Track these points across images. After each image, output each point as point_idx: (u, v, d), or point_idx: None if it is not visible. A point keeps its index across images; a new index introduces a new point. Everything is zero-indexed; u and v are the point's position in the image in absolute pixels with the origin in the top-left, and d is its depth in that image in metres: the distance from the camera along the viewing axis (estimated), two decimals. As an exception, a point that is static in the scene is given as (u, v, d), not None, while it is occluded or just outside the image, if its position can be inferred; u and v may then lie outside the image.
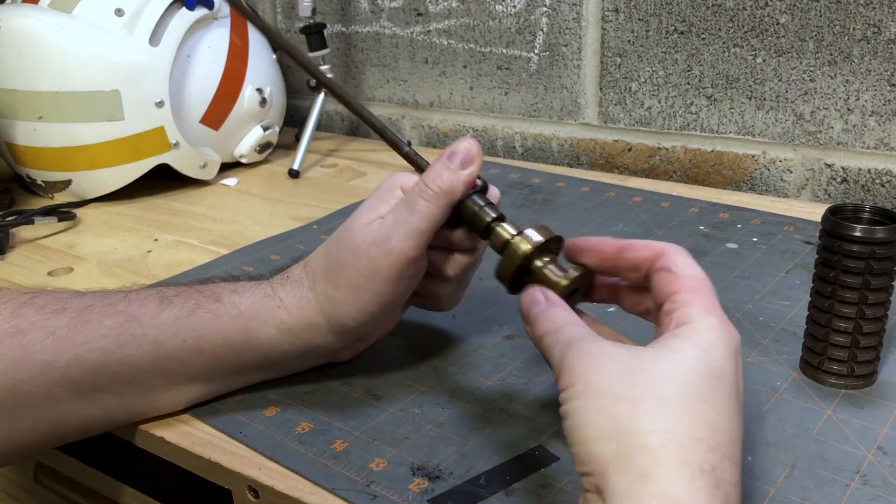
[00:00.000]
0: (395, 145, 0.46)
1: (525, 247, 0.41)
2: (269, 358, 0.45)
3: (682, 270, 0.37)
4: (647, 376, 0.32)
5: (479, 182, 0.44)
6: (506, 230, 0.42)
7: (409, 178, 0.45)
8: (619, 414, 0.31)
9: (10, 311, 0.41)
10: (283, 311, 0.44)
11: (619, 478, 0.30)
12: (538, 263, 0.41)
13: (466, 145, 0.43)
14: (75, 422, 0.43)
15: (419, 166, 0.45)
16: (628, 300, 0.42)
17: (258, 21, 0.52)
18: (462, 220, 0.44)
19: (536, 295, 0.39)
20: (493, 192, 0.45)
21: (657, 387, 0.32)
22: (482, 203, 0.43)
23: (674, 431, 0.30)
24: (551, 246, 0.41)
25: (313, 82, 0.95)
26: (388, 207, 0.44)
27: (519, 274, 0.41)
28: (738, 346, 0.35)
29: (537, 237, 0.41)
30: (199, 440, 0.44)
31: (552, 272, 0.40)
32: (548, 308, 0.38)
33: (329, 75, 0.95)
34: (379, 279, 0.42)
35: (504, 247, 0.42)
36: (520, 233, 0.41)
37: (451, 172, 0.42)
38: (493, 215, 0.43)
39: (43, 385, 0.41)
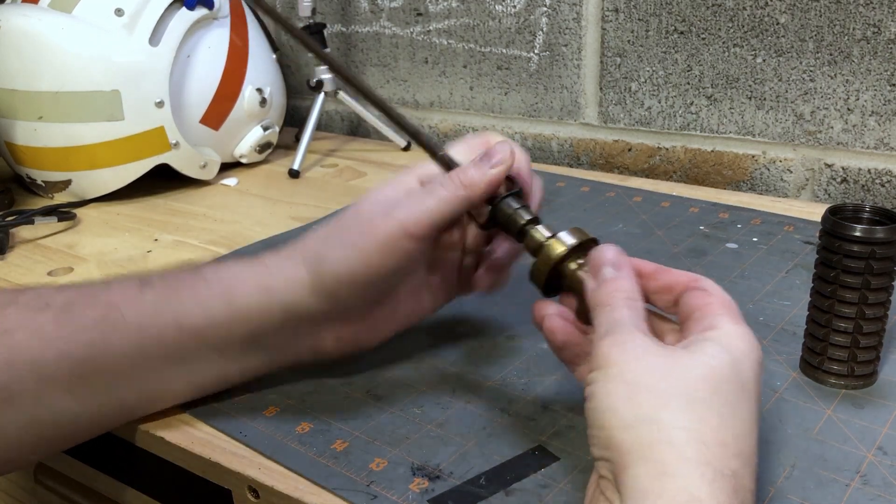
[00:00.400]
0: (430, 150, 0.44)
1: (558, 249, 0.40)
2: (251, 329, 0.44)
3: (715, 291, 0.37)
4: (682, 374, 0.32)
5: (515, 186, 0.44)
6: (540, 233, 0.42)
7: (428, 168, 0.44)
8: (648, 404, 0.31)
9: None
10: (263, 269, 0.43)
11: (638, 469, 0.30)
12: (571, 266, 0.40)
13: (501, 148, 0.43)
14: (67, 422, 0.43)
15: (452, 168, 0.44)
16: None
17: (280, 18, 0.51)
18: (497, 223, 0.44)
19: (615, 257, 0.38)
20: (536, 187, 0.45)
21: (690, 386, 0.32)
22: (517, 205, 0.43)
23: (700, 432, 0.30)
24: (586, 248, 0.41)
25: (314, 82, 0.95)
26: (404, 188, 0.43)
27: (552, 276, 0.41)
28: (762, 360, 0.35)
29: (571, 239, 0.40)
30: (199, 440, 0.44)
31: (586, 275, 0.39)
32: (617, 277, 0.37)
33: (328, 75, 0.95)
34: (372, 240, 0.41)
35: (538, 249, 0.41)
36: (553, 235, 0.41)
37: (476, 169, 0.42)
38: (528, 218, 0.43)
39: (32, 384, 0.40)
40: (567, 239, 0.41)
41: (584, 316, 0.39)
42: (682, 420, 0.31)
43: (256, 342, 0.44)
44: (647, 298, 0.39)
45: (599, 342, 0.34)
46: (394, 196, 0.43)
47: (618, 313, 0.36)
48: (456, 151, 0.45)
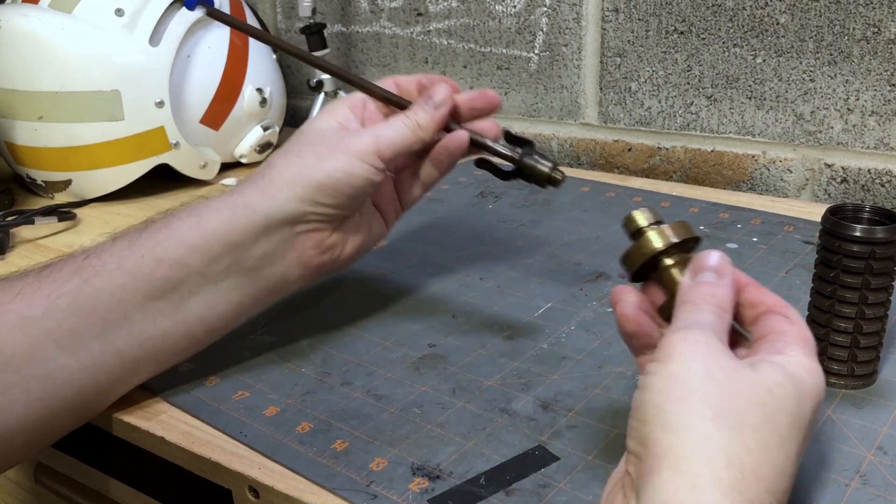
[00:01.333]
0: (368, 90, 0.51)
1: (660, 243, 0.38)
2: (229, 246, 0.45)
3: (798, 322, 0.35)
4: (742, 394, 0.31)
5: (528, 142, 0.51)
6: (642, 216, 0.40)
7: (342, 112, 0.49)
8: (698, 413, 0.30)
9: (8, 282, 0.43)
10: (231, 191, 0.46)
11: (668, 476, 0.29)
12: (668, 261, 0.39)
13: (441, 89, 0.49)
14: (63, 381, 0.42)
15: (400, 105, 0.50)
16: None
17: (246, 27, 0.55)
18: (525, 176, 0.51)
19: (721, 264, 0.37)
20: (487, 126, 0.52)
21: (746, 410, 0.30)
22: (548, 163, 0.50)
23: (741, 458, 0.29)
24: (687, 245, 0.39)
25: (314, 82, 0.95)
26: (339, 124, 0.49)
27: (646, 267, 0.39)
28: (823, 399, 0.34)
29: (674, 236, 0.39)
30: (199, 440, 0.44)
31: (679, 275, 0.38)
32: (715, 283, 0.36)
33: (328, 75, 0.95)
34: (350, 153, 0.46)
35: (637, 234, 0.40)
36: (656, 223, 0.39)
37: (424, 112, 0.48)
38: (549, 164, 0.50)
39: (23, 341, 0.41)
40: (670, 234, 0.39)
41: (668, 313, 0.37)
42: (727, 441, 0.29)
43: (237, 262, 0.45)
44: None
45: (671, 335, 0.33)
46: (338, 129, 0.48)
47: (702, 315, 0.34)
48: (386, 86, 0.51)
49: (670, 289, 0.38)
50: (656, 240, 0.38)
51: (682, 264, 0.38)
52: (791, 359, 0.33)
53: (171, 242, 0.44)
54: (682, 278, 0.37)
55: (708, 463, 0.29)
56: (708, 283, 0.36)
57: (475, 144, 0.51)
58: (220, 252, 0.45)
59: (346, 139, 0.47)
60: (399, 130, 0.47)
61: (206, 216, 0.45)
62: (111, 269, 0.43)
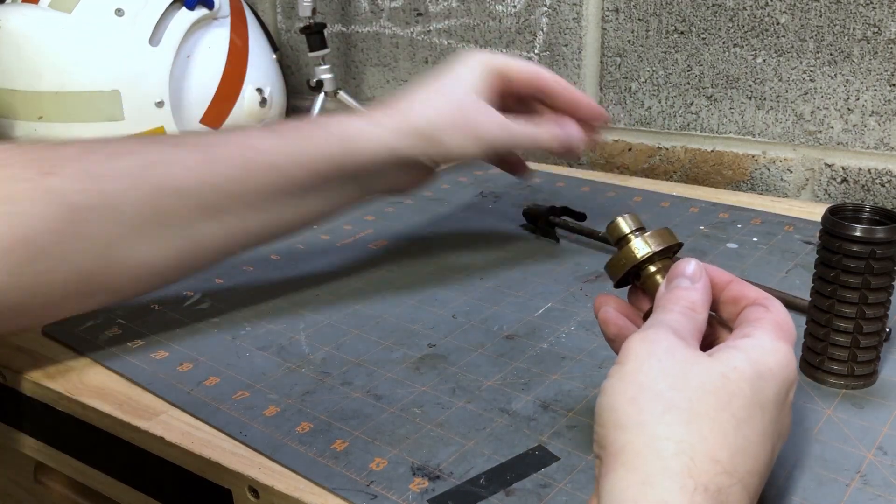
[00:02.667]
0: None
1: (643, 252, 0.39)
2: (359, 167, 0.53)
3: (776, 309, 0.36)
4: (692, 384, 0.31)
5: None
6: (627, 223, 0.41)
7: (492, 64, 0.56)
8: (649, 410, 0.31)
9: (141, 145, 0.49)
10: (381, 128, 0.53)
11: (622, 474, 0.30)
12: (651, 269, 0.40)
13: (573, 133, 0.58)
14: (207, 242, 0.50)
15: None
16: None
17: None
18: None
19: (693, 270, 0.37)
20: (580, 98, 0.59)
21: (697, 398, 0.31)
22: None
23: (692, 446, 0.30)
24: (670, 251, 0.40)
25: (314, 82, 0.95)
26: (494, 103, 0.55)
27: (629, 275, 0.40)
28: (795, 383, 0.34)
29: (657, 244, 0.40)
30: (199, 440, 0.44)
31: (661, 281, 0.39)
32: (688, 288, 0.37)
33: (328, 75, 0.95)
34: (483, 140, 0.55)
35: (621, 241, 0.40)
36: (639, 230, 0.40)
37: (555, 139, 0.57)
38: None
39: (180, 207, 0.47)
40: (652, 242, 0.40)
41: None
42: (678, 432, 0.30)
43: (357, 177, 0.54)
44: (714, 307, 0.38)
45: (630, 337, 0.34)
46: (489, 109, 0.55)
47: (666, 315, 0.35)
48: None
49: (652, 295, 0.39)
50: (638, 249, 0.40)
51: (665, 271, 0.39)
52: (754, 341, 0.34)
53: (321, 157, 0.51)
54: (661, 287, 0.38)
55: (658, 455, 0.30)
56: (680, 287, 0.37)
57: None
58: (352, 168, 0.53)
59: (481, 119, 0.54)
60: (528, 140, 0.56)
61: (353, 138, 0.52)
62: (265, 166, 0.50)
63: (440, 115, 0.54)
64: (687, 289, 0.37)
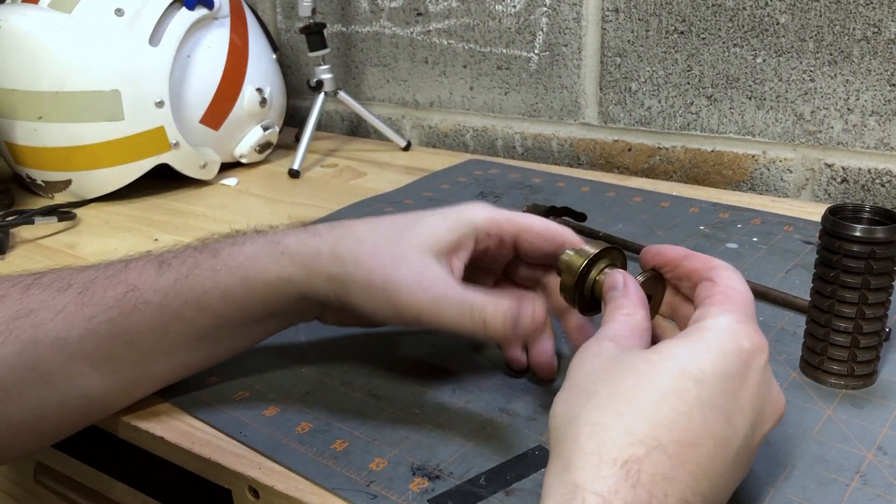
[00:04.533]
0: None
1: (578, 261, 0.41)
2: (268, 308, 0.45)
3: (722, 281, 0.37)
4: (615, 373, 0.33)
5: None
6: (566, 253, 0.42)
7: (491, 219, 0.44)
8: (574, 405, 0.32)
9: (19, 292, 0.43)
10: (285, 258, 0.43)
11: (551, 468, 0.31)
12: (596, 276, 0.41)
13: (530, 323, 0.40)
14: (99, 396, 0.44)
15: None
16: None
17: None
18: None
19: (617, 279, 0.39)
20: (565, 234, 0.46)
21: (617, 382, 0.32)
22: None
23: (605, 424, 0.31)
24: (611, 257, 0.42)
25: (314, 82, 0.95)
26: (462, 259, 0.44)
27: (581, 290, 0.41)
28: (754, 354, 0.34)
29: (592, 248, 0.41)
30: (199, 440, 0.44)
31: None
32: (619, 296, 0.38)
33: (328, 75, 0.95)
34: (397, 307, 0.41)
35: (560, 268, 0.42)
36: (577, 250, 0.42)
37: (500, 324, 0.40)
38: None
39: (61, 361, 0.42)
40: (589, 249, 0.41)
41: None
42: (594, 416, 0.31)
43: (271, 316, 0.46)
44: (674, 286, 0.41)
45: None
46: (446, 273, 0.42)
47: (604, 327, 0.37)
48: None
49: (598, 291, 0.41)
50: (577, 259, 0.41)
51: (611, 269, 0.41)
52: (699, 325, 0.34)
53: (217, 293, 0.44)
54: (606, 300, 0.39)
55: (574, 441, 0.31)
56: (612, 299, 0.38)
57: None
58: (260, 310, 0.45)
59: (405, 280, 0.41)
60: (462, 317, 0.40)
61: (254, 277, 0.44)
62: (153, 308, 0.43)
63: (359, 262, 0.42)
64: (616, 297, 0.38)
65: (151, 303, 0.43)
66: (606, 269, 0.41)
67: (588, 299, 0.42)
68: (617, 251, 0.42)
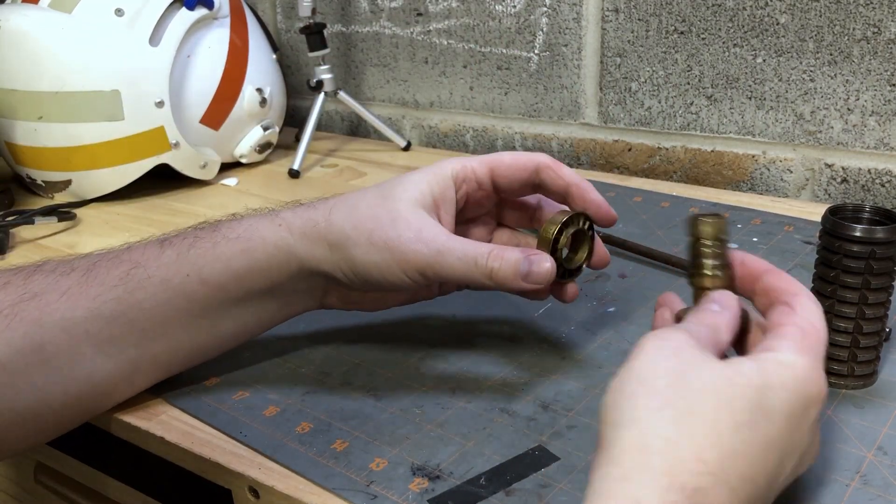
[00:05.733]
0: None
1: (551, 229, 0.44)
2: (270, 281, 0.45)
3: (803, 312, 0.35)
4: (693, 384, 0.31)
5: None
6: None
7: (460, 164, 0.46)
8: (644, 406, 0.31)
9: (22, 279, 0.43)
10: (283, 228, 0.45)
11: (606, 469, 0.30)
12: (563, 241, 0.44)
13: (542, 270, 0.43)
14: (102, 380, 0.44)
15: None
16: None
17: None
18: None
19: (721, 297, 0.38)
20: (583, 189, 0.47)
21: (695, 397, 0.31)
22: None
23: (678, 444, 0.29)
24: (580, 223, 0.46)
25: (314, 82, 0.95)
26: (448, 212, 0.45)
27: (556, 258, 0.44)
28: (817, 401, 0.33)
29: (559, 217, 0.45)
30: (199, 440, 0.44)
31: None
32: (717, 312, 0.37)
33: (328, 75, 0.95)
34: (401, 264, 0.43)
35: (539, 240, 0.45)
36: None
37: (512, 272, 0.42)
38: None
39: (65, 342, 0.42)
40: (558, 216, 0.45)
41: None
42: (667, 429, 0.30)
43: (272, 292, 0.46)
44: (751, 298, 0.39)
45: (645, 335, 0.34)
46: (413, 214, 0.43)
47: (688, 323, 0.35)
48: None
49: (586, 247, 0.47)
50: (549, 227, 0.45)
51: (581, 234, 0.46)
52: (772, 354, 0.33)
53: (218, 266, 0.44)
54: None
55: (642, 451, 0.29)
56: (708, 310, 0.37)
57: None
58: (261, 283, 0.45)
59: (405, 237, 0.42)
60: (466, 266, 0.42)
61: (254, 247, 0.45)
62: (156, 283, 0.44)
63: (357, 225, 0.43)
64: (714, 312, 0.36)
65: (154, 277, 0.44)
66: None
67: (561, 267, 0.45)
68: (583, 216, 0.46)
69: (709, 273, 0.38)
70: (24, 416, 0.42)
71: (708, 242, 0.38)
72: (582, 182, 0.46)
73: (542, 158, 0.46)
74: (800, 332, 0.34)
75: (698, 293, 0.39)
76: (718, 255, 0.38)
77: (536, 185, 0.47)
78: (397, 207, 0.43)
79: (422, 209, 0.44)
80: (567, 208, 0.47)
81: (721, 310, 0.37)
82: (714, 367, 0.32)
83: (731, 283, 0.39)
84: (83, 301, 0.42)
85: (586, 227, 0.46)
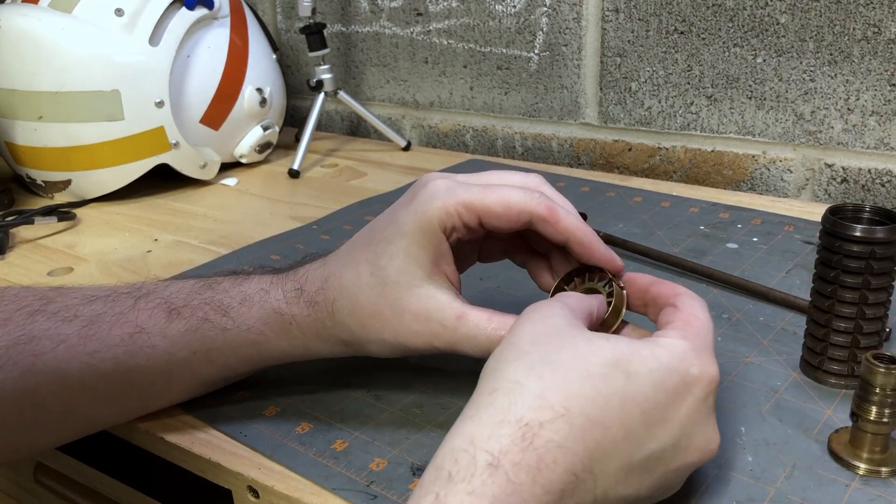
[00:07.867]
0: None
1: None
2: (280, 362, 0.46)
3: (685, 307, 0.37)
4: (554, 341, 0.33)
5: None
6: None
7: (444, 211, 0.40)
8: (503, 360, 0.33)
9: (23, 318, 0.41)
10: (295, 327, 0.43)
11: (466, 412, 0.32)
12: (566, 288, 0.43)
13: None
14: (98, 420, 0.45)
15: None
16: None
17: None
18: None
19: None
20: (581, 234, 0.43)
21: (552, 351, 0.33)
22: None
23: (525, 386, 0.31)
24: (594, 280, 0.43)
25: (314, 82, 0.95)
26: (448, 263, 0.42)
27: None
28: (699, 381, 0.34)
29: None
30: (199, 440, 0.44)
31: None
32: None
33: (328, 75, 0.95)
34: (418, 349, 0.42)
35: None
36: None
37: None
38: None
39: (59, 391, 0.41)
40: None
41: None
42: (518, 374, 0.32)
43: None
44: (643, 311, 0.41)
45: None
46: (429, 307, 0.41)
47: (567, 296, 0.38)
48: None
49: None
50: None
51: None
52: (653, 338, 0.35)
53: (228, 351, 0.44)
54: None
55: (490, 394, 0.32)
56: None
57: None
58: (273, 363, 0.46)
59: (415, 329, 0.41)
60: (482, 344, 0.40)
61: (267, 341, 0.43)
62: (159, 352, 0.43)
63: (363, 323, 0.42)
64: (594, 297, 0.40)
65: (158, 347, 0.43)
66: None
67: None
68: (597, 272, 0.42)
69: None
70: (17, 443, 0.43)
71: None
72: (584, 237, 0.40)
73: (536, 208, 0.40)
74: (683, 322, 0.36)
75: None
76: None
77: (532, 231, 0.42)
78: (399, 296, 0.40)
79: (422, 281, 0.40)
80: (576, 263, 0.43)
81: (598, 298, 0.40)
82: (580, 331, 0.34)
83: None
84: (80, 355, 0.41)
85: (603, 283, 0.42)
